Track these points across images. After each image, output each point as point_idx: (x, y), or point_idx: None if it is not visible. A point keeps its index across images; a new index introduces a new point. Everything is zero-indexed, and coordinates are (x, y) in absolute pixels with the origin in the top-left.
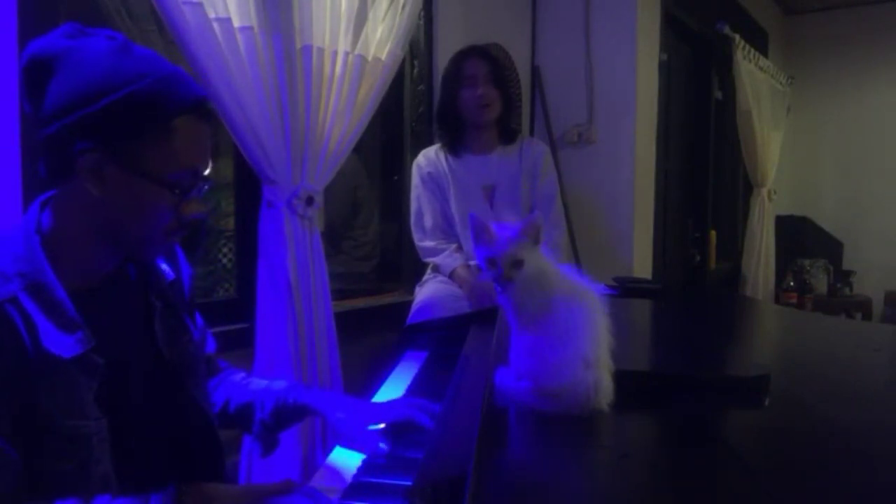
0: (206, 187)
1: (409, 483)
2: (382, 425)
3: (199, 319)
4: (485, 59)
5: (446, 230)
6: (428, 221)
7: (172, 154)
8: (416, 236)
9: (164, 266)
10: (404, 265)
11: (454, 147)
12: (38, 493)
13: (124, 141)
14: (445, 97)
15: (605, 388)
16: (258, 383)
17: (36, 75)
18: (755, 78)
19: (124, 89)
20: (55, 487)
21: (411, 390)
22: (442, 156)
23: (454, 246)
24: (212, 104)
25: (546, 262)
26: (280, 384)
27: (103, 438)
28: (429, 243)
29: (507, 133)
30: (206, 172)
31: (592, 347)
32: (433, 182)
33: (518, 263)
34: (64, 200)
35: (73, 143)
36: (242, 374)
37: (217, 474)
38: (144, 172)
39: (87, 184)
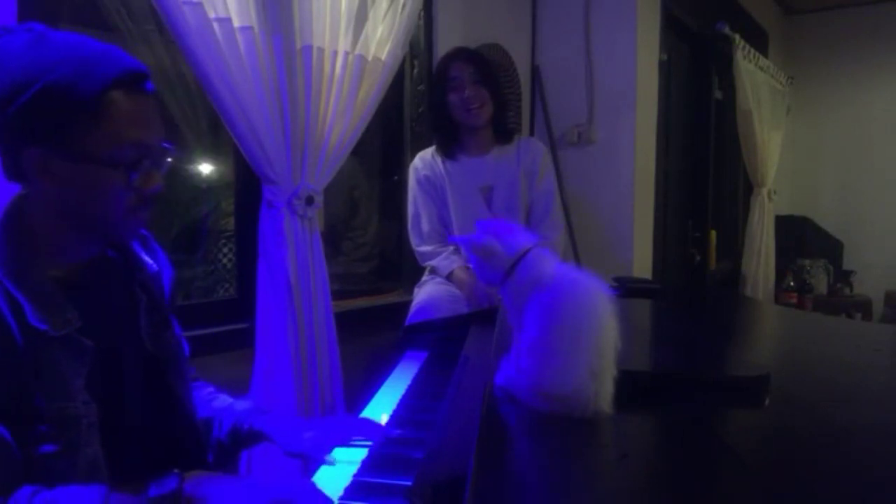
0: (166, 159)
1: (409, 483)
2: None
3: (176, 325)
4: (468, 61)
5: (443, 233)
6: (425, 226)
7: (107, 132)
8: (413, 241)
9: (146, 257)
10: (404, 265)
11: (450, 150)
12: (26, 476)
13: (55, 131)
14: (435, 102)
15: (605, 393)
16: (223, 400)
17: None
18: (755, 78)
19: (39, 82)
20: (42, 470)
21: (411, 390)
22: (439, 158)
23: (451, 248)
24: (145, 74)
25: (547, 261)
26: (242, 406)
27: (92, 423)
28: (426, 248)
29: (503, 133)
30: (163, 143)
31: (598, 356)
32: (430, 185)
33: None
34: (31, 194)
35: (12, 142)
36: (210, 389)
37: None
38: (84, 157)
39: (36, 180)
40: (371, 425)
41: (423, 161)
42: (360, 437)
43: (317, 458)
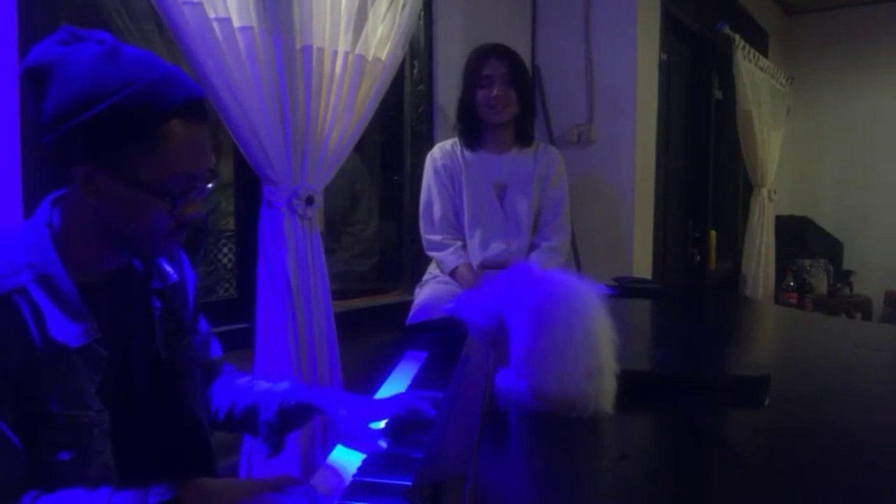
0: (210, 186)
1: (409, 483)
2: (384, 423)
3: (203, 324)
4: (503, 59)
5: (454, 225)
6: (437, 213)
7: (163, 161)
8: (423, 228)
9: (168, 268)
10: (404, 265)
11: (471, 143)
12: (38, 482)
13: (111, 151)
14: (463, 96)
15: (606, 393)
16: (262, 385)
17: (33, 85)
18: (755, 78)
19: (107, 101)
20: (55, 477)
21: (411, 390)
22: (458, 150)
23: (459, 243)
24: (207, 103)
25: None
26: (283, 385)
27: (104, 430)
28: (435, 236)
29: (524, 135)
30: (210, 169)
31: (594, 356)
32: (447, 174)
33: None
34: (69, 202)
35: (64, 154)
36: (247, 378)
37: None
38: (135, 181)
39: (82, 192)
40: (424, 398)
41: (443, 150)
42: (403, 414)
43: (363, 442)
